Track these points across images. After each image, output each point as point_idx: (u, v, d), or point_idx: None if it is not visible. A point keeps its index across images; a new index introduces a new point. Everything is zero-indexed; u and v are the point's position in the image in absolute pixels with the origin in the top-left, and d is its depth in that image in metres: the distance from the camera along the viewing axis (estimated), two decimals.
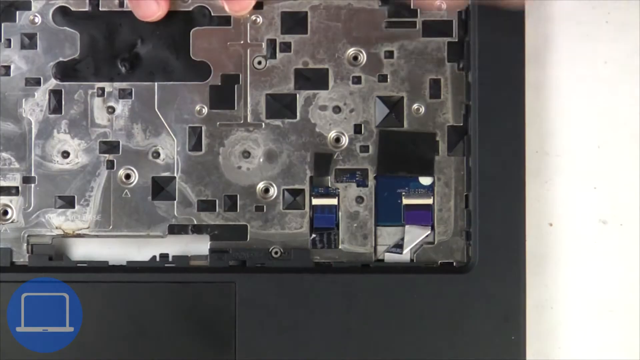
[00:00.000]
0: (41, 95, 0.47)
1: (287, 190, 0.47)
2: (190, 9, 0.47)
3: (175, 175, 0.47)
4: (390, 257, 0.47)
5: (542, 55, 0.48)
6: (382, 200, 0.47)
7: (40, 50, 0.47)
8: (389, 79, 0.47)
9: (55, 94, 0.47)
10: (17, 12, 0.47)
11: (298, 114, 0.47)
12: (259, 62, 0.47)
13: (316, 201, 0.47)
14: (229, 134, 0.47)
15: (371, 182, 0.47)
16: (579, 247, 0.48)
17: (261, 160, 0.47)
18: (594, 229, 0.48)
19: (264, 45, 0.47)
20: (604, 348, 0.48)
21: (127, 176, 0.47)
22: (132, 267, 0.47)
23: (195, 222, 0.47)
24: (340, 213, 0.47)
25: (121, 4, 0.46)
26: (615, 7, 0.48)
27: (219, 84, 0.47)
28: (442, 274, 0.46)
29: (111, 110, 0.47)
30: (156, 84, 0.47)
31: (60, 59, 0.47)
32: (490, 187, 0.46)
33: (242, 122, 0.47)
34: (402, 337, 0.46)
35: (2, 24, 0.46)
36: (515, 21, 0.46)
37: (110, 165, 0.47)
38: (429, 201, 0.47)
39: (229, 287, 0.46)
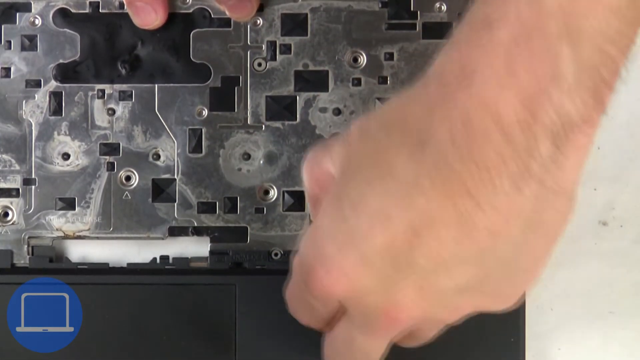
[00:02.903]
0: (41, 97, 0.47)
1: (287, 192, 0.47)
2: (190, 11, 0.47)
3: (175, 177, 0.47)
4: None
5: None
6: None
7: (41, 52, 0.47)
8: (389, 81, 0.47)
9: (56, 95, 0.47)
10: (17, 14, 0.46)
11: (298, 116, 0.47)
12: (259, 64, 0.47)
13: None
14: (229, 136, 0.47)
15: None
16: (579, 247, 0.48)
17: (261, 162, 0.47)
18: (594, 229, 0.48)
19: (264, 47, 0.47)
20: (604, 349, 0.48)
21: (128, 178, 0.47)
22: (132, 269, 0.47)
23: (196, 224, 0.47)
24: None
25: (121, 6, 0.46)
26: None
27: (219, 86, 0.47)
28: None
29: (111, 112, 0.47)
30: (156, 85, 0.47)
31: (61, 61, 0.47)
32: None
33: (242, 124, 0.47)
34: None
35: (2, 26, 0.46)
36: None
37: (110, 167, 0.47)
38: None
39: (229, 288, 0.46)
